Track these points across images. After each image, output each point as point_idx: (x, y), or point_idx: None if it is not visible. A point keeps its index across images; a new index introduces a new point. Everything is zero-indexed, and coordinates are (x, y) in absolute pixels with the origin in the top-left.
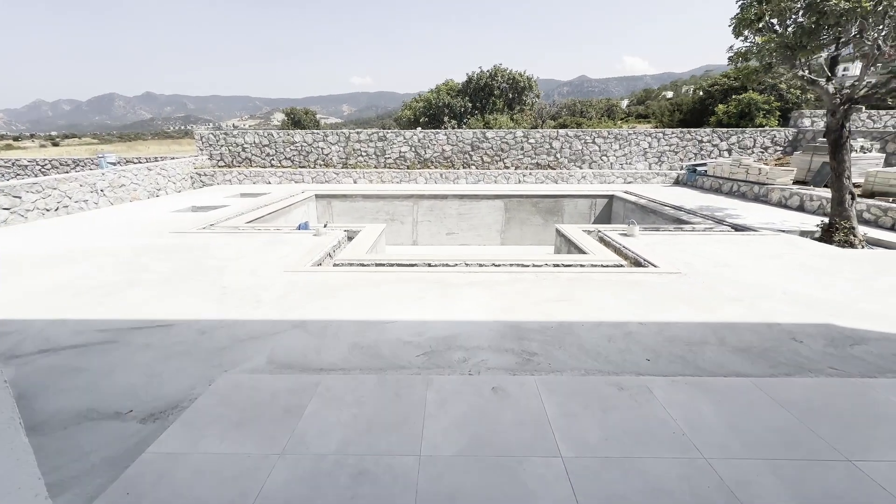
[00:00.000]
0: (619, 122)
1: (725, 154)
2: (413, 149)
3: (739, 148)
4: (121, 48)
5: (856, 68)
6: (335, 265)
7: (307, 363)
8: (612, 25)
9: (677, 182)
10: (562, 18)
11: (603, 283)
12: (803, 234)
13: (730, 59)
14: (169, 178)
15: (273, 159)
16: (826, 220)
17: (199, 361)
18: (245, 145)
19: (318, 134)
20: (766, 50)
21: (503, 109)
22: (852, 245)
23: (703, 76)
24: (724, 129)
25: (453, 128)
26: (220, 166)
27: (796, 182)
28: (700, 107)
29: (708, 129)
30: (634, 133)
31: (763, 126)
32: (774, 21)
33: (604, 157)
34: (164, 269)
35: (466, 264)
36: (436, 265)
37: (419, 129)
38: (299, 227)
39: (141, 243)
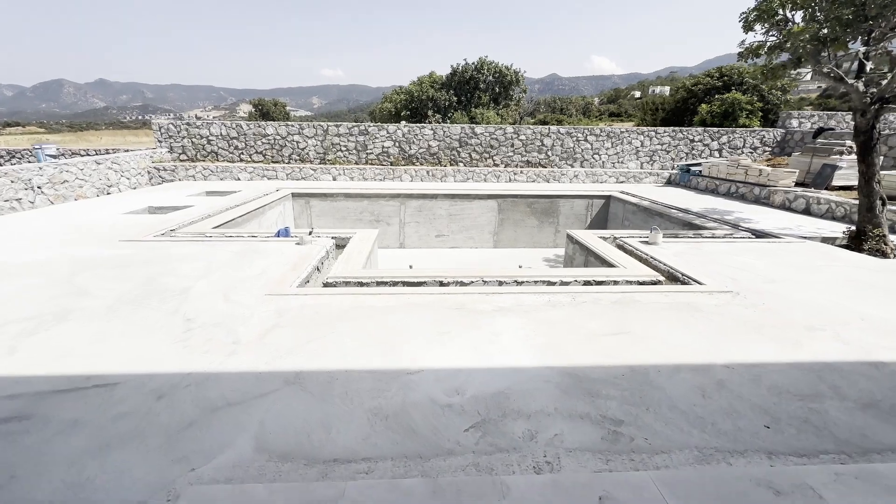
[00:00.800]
0: (594, 119)
1: (716, 154)
2: (397, 144)
3: (730, 148)
4: (70, 30)
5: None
6: (326, 284)
7: (314, 450)
8: (581, 25)
9: (669, 182)
10: (534, 16)
11: (653, 306)
12: (825, 240)
13: (740, 55)
14: (122, 173)
15: (242, 153)
16: (853, 227)
17: (154, 452)
18: (210, 137)
19: (292, 126)
20: (801, 42)
21: (489, 104)
22: (884, 254)
23: (669, 77)
24: (715, 129)
25: (438, 122)
26: (181, 160)
27: (796, 184)
28: (682, 106)
29: (699, 129)
30: (627, 131)
31: (747, 126)
32: (794, 14)
33: (596, 156)
34: (110, 292)
35: (485, 281)
36: (449, 283)
37: (403, 122)
38: (278, 234)
39: (82, 255)
